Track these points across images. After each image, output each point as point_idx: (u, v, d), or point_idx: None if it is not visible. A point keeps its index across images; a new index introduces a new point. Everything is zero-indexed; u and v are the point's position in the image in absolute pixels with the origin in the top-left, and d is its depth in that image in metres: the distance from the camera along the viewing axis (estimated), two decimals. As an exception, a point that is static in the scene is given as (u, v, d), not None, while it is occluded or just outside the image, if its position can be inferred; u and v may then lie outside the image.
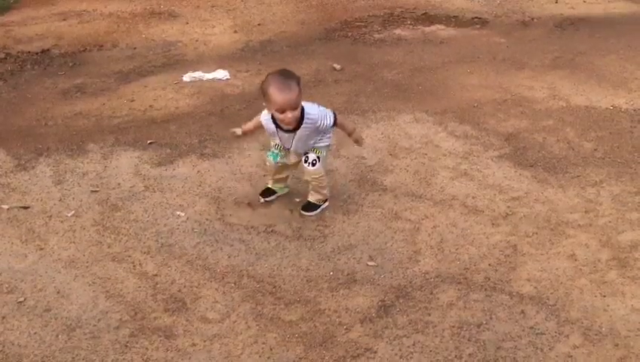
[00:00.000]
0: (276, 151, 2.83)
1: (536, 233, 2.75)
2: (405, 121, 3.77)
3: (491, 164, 3.29)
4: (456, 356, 2.13)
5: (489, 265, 2.57)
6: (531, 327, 2.25)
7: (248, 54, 4.89)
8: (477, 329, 2.24)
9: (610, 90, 4.16)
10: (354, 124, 3.17)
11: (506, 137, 3.56)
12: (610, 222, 2.82)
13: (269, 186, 3.00)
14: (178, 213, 2.89)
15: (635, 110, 3.89)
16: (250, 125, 2.89)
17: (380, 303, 2.36)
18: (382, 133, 3.60)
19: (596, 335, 2.22)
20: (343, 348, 2.16)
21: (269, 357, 2.12)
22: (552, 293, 2.41)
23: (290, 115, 2.55)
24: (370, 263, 2.58)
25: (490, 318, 2.29)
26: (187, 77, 4.38)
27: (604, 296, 2.40)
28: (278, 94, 2.51)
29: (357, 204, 2.96)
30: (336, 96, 4.10)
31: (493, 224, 2.82)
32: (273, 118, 2.67)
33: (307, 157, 2.77)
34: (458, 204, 2.96)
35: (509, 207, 2.93)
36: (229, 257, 2.60)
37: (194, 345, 2.18)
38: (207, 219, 2.84)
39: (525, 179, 3.16)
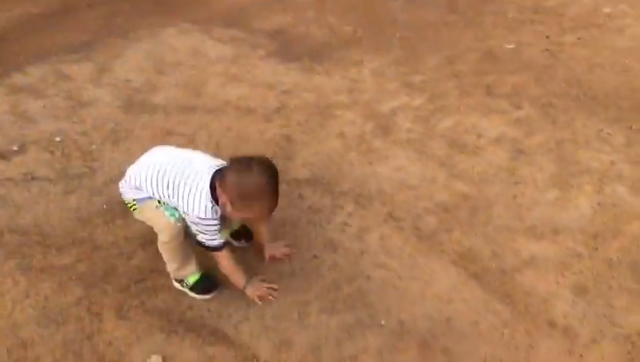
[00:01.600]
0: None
1: (308, 120, 2.83)
2: (170, 34, 3.57)
3: (260, 64, 3.27)
4: (239, 255, 2.15)
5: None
6: (309, 207, 2.35)
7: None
8: (259, 223, 2.28)
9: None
10: None
11: (272, 35, 3.56)
12: (372, 95, 3.00)
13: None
14: None
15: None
16: (236, 273, 1.98)
17: (161, 223, 2.28)
18: (146, 52, 3.38)
19: (366, 199, 2.39)
20: (127, 276, 2.07)
21: (44, 307, 1.96)
22: (326, 173, 2.52)
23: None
24: (147, 186, 2.46)
25: (272, 209, 2.34)
26: None
27: (372, 163, 2.58)
28: (272, 206, 1.80)
29: (127, 131, 2.78)
30: (92, 22, 3.74)
31: (266, 120, 2.83)
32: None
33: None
34: (231, 108, 2.92)
35: (280, 100, 2.96)
36: (-17, 217, 2.31)
37: (-47, 321, 1.93)
38: (-50, 183, 2.47)
39: (293, 71, 3.20)
